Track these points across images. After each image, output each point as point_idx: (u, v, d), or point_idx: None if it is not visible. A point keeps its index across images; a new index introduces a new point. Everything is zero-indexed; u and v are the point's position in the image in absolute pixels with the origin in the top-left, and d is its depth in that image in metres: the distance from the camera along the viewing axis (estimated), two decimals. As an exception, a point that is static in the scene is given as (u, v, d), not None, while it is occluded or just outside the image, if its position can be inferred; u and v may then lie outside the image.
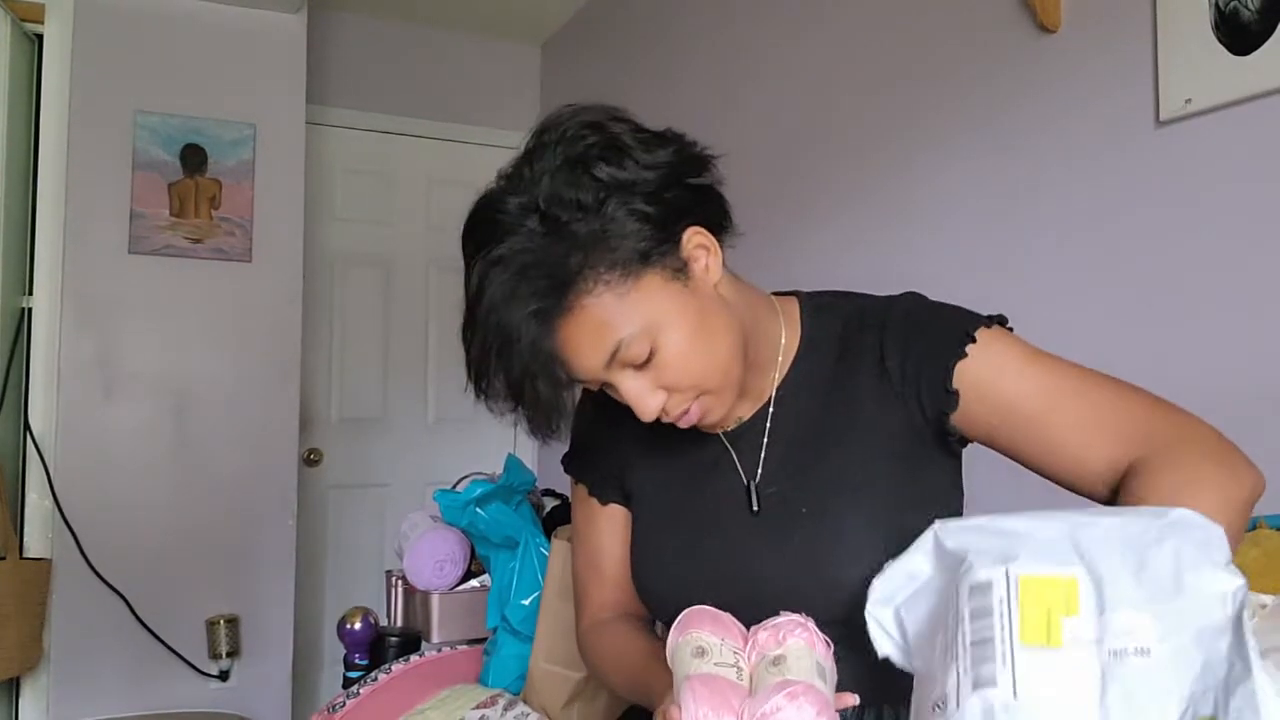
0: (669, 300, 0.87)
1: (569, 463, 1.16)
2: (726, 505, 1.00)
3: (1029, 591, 0.66)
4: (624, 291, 0.85)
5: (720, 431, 1.03)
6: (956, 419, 0.93)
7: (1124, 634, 0.63)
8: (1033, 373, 0.91)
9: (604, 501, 1.11)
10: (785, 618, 0.81)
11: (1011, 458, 0.94)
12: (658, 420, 0.95)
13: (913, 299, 1.00)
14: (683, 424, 0.92)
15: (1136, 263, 1.61)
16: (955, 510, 1.01)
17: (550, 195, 0.85)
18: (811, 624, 0.81)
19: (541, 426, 0.89)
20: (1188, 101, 1.51)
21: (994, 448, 0.95)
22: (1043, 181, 1.78)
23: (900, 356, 0.95)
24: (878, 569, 0.86)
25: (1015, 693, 0.64)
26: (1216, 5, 1.46)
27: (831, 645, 0.81)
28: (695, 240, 0.90)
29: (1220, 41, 1.45)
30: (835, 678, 0.80)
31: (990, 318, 0.96)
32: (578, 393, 0.97)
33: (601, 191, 0.85)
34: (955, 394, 0.92)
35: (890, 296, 1.02)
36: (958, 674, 0.67)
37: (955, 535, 0.74)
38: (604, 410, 1.09)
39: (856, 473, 0.95)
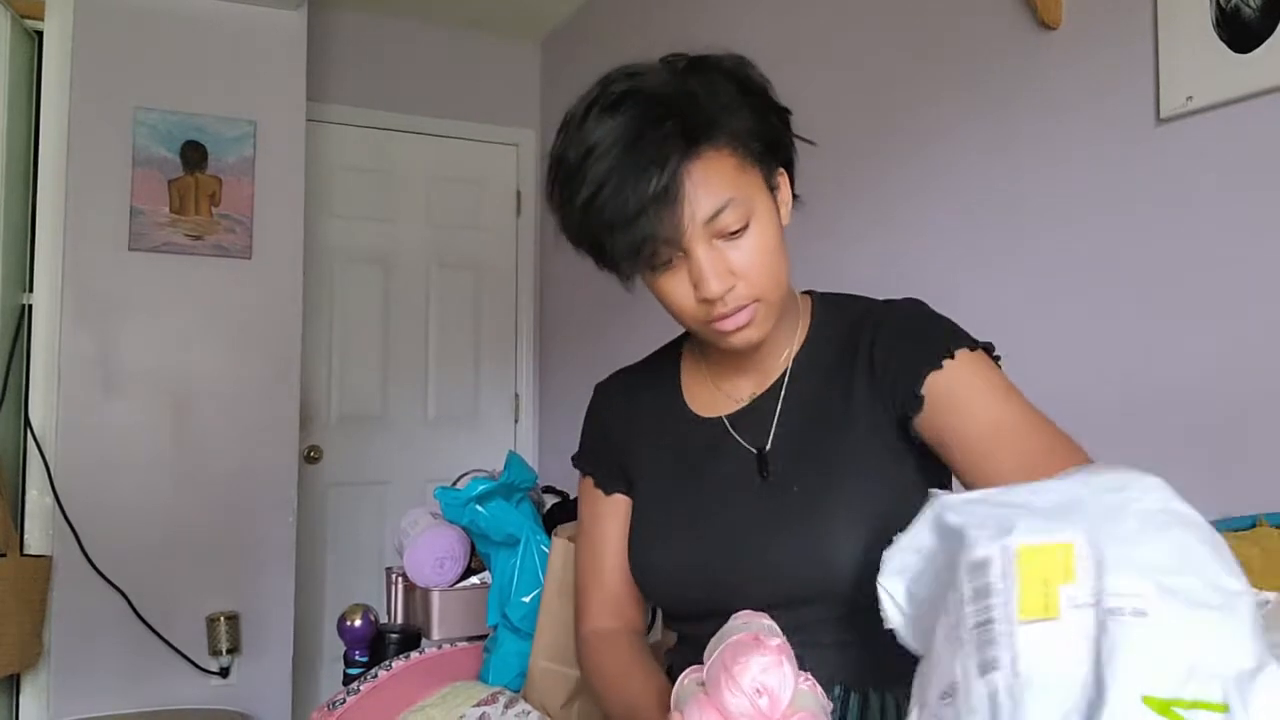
0: (764, 200, 0.95)
1: (578, 459, 1.20)
2: (734, 478, 1.03)
3: (1026, 563, 0.66)
4: (739, 165, 0.93)
5: (724, 414, 1.07)
6: (918, 424, 0.96)
7: (1121, 595, 0.62)
8: (992, 405, 0.93)
9: (609, 492, 1.14)
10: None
11: (954, 474, 0.97)
12: (664, 406, 1.05)
13: (913, 304, 1.04)
14: (731, 323, 0.94)
15: (1136, 260, 1.61)
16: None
17: (698, 79, 0.93)
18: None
19: (636, 257, 0.91)
20: (1189, 99, 1.51)
21: (942, 457, 0.97)
22: (1043, 178, 1.78)
23: (886, 354, 0.99)
24: (867, 548, 0.90)
25: (1016, 671, 0.63)
26: (1218, 3, 1.45)
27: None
28: (782, 180, 1.00)
29: (1221, 39, 1.45)
30: None
31: (978, 342, 0.99)
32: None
33: (746, 91, 0.94)
34: (920, 399, 0.95)
35: (894, 299, 1.05)
36: (963, 660, 0.67)
37: (956, 510, 0.73)
38: (611, 405, 1.17)
39: (851, 456, 0.99)
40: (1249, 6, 1.41)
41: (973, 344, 0.98)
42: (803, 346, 1.06)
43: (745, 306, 0.94)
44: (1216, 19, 1.46)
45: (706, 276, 0.91)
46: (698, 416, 1.09)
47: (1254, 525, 1.26)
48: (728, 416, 1.07)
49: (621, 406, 1.15)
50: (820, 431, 1.01)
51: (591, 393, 1.21)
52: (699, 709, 0.73)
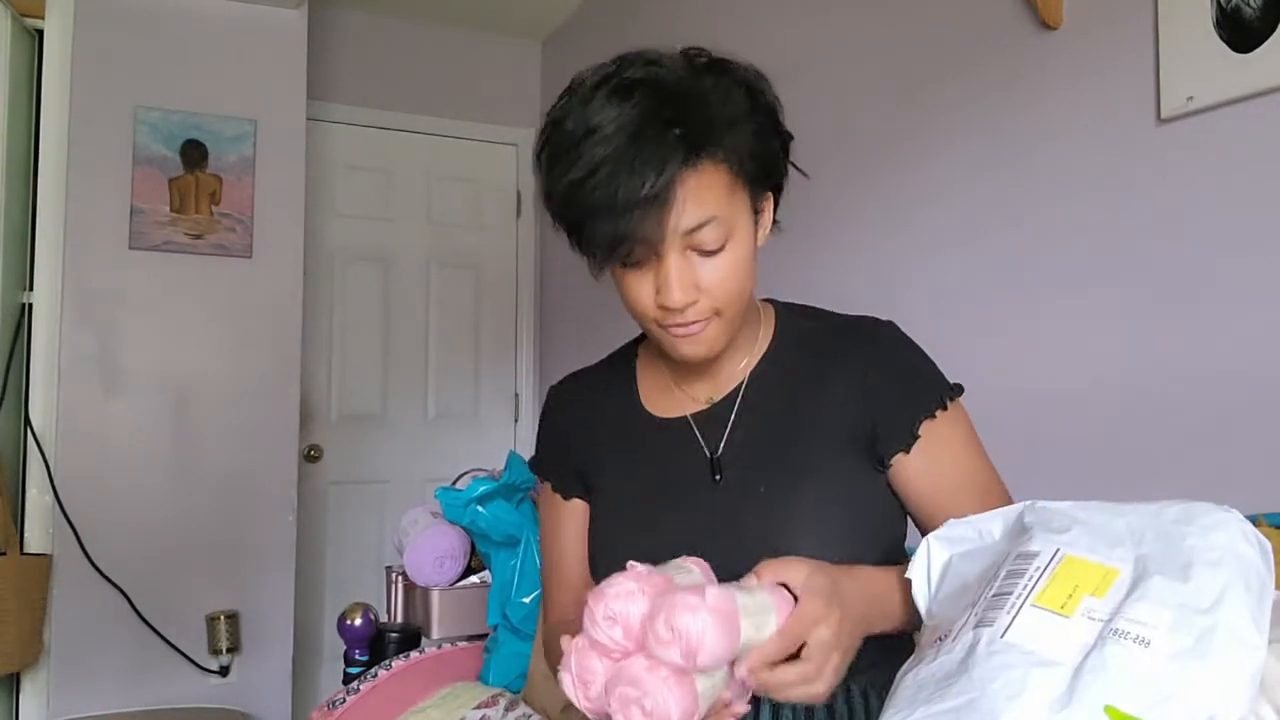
0: (745, 222, 0.95)
1: (535, 464, 1.20)
2: (689, 479, 1.04)
3: (1067, 569, 0.69)
4: (731, 184, 0.92)
5: (688, 414, 1.07)
6: (899, 460, 1.01)
7: (1134, 622, 0.63)
8: (963, 460, 1.02)
9: (566, 497, 1.14)
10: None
11: (907, 508, 1.04)
12: (622, 409, 1.06)
13: (896, 331, 1.07)
14: (687, 331, 0.95)
15: (1137, 260, 1.61)
16: (899, 516, 1.07)
17: (714, 81, 0.92)
18: (705, 565, 0.84)
19: (612, 251, 0.90)
20: (1189, 99, 1.51)
21: (900, 494, 1.03)
22: (1043, 179, 1.78)
23: (885, 382, 1.02)
24: (823, 554, 0.91)
25: (1004, 634, 0.66)
26: (1218, 3, 1.45)
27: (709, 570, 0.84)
28: (767, 205, 1.00)
29: (1222, 39, 1.45)
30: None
31: (954, 385, 1.04)
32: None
33: (756, 108, 0.94)
34: (916, 439, 1.01)
35: (874, 319, 1.07)
36: (969, 616, 0.71)
37: (1037, 512, 0.77)
38: (567, 410, 1.16)
39: (814, 463, 1.01)
40: (1249, 6, 1.41)
41: (954, 391, 1.04)
42: (764, 356, 1.07)
43: (704, 320, 0.94)
44: (1217, 19, 1.46)
45: (672, 286, 0.91)
46: (658, 418, 1.09)
47: (1253, 525, 1.26)
48: (692, 416, 1.07)
49: (578, 411, 1.15)
50: (778, 438, 1.02)
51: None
52: (575, 652, 0.78)
